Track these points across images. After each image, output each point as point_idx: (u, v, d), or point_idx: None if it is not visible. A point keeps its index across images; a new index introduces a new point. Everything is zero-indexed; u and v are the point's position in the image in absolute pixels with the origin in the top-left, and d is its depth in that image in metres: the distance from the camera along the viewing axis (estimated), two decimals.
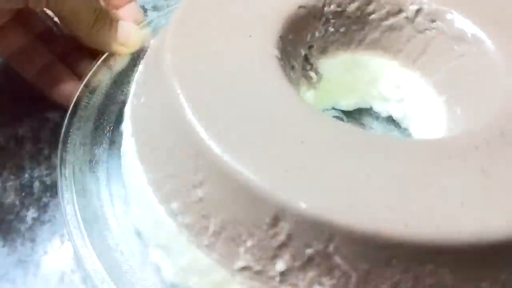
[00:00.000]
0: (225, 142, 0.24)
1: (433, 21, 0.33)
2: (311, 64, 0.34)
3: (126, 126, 0.31)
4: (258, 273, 0.24)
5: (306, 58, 0.33)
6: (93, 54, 0.36)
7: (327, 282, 0.23)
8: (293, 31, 0.31)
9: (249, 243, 0.24)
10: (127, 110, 0.31)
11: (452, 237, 0.22)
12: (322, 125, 0.26)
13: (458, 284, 0.24)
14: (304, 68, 0.33)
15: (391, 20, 0.34)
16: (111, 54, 0.36)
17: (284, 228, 0.23)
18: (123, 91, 0.35)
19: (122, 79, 0.35)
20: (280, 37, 0.30)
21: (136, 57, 0.36)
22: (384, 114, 0.37)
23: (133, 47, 0.36)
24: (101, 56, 0.35)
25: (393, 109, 0.36)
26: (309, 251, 0.23)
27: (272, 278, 0.24)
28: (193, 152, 0.25)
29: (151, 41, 0.33)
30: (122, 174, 0.31)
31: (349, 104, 0.37)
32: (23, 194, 0.33)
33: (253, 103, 0.26)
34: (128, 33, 0.36)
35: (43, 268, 0.30)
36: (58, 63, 0.36)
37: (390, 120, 0.37)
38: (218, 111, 0.26)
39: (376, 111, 0.37)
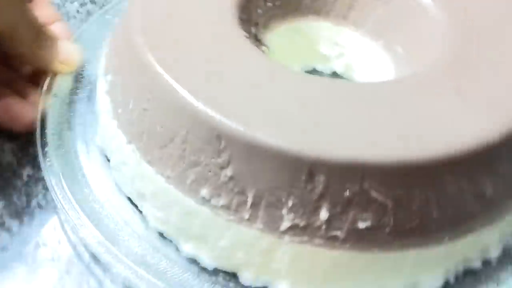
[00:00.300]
0: (245, 120, 0.26)
1: None
2: (259, 40, 0.36)
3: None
4: (304, 228, 0.26)
5: (255, 36, 0.36)
6: (35, 81, 0.36)
7: (368, 216, 0.26)
8: (243, 11, 0.33)
9: (290, 203, 0.26)
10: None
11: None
12: (312, 82, 0.29)
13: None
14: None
15: None
16: (53, 77, 0.36)
17: (319, 180, 0.25)
18: None
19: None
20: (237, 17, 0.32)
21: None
22: (328, 71, 0.40)
23: (74, 65, 0.36)
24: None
25: (336, 65, 0.39)
26: (346, 194, 0.26)
27: (319, 228, 0.26)
28: (214, 135, 0.26)
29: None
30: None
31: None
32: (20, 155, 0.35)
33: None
34: (68, 51, 0.36)
35: (36, 220, 0.32)
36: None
37: (336, 76, 0.40)
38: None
39: (319, 70, 0.40)
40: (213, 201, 0.27)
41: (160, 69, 0.28)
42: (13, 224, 0.32)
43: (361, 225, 0.26)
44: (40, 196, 0.33)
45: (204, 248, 0.28)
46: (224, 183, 0.26)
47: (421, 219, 0.26)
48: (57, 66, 0.35)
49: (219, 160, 0.26)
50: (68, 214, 0.30)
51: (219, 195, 0.27)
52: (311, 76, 0.33)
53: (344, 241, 0.26)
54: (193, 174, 0.27)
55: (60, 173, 0.31)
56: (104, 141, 0.33)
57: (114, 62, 0.33)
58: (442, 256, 0.27)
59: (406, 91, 0.29)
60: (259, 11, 0.36)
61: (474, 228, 0.28)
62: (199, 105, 0.26)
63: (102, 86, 0.33)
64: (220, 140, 0.26)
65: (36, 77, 0.36)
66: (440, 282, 0.28)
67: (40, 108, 0.34)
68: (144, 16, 0.31)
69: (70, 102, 0.35)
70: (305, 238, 0.26)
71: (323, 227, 0.26)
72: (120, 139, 0.31)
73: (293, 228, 0.26)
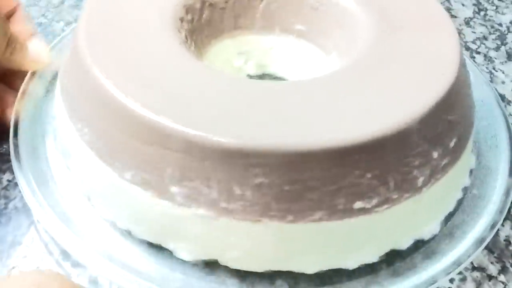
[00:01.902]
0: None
1: None
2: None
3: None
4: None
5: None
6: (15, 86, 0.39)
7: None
8: (181, 24, 0.36)
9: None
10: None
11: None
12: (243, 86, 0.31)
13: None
14: None
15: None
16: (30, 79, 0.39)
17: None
18: None
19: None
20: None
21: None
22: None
23: (44, 62, 0.40)
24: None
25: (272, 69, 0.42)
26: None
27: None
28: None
29: None
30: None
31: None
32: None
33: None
34: (38, 50, 0.39)
35: (13, 221, 0.35)
36: None
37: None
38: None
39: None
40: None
41: (99, 74, 0.31)
42: None
43: None
44: (17, 199, 0.36)
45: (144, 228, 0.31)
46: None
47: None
48: (29, 65, 0.39)
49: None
50: (39, 214, 0.32)
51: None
52: (242, 79, 0.36)
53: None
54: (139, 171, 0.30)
55: (31, 176, 0.34)
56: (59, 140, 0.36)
57: (65, 65, 0.36)
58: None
59: (316, 89, 0.31)
60: (191, 26, 0.37)
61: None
62: (136, 107, 0.29)
63: (57, 87, 0.37)
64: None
65: (11, 78, 0.39)
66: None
67: (14, 109, 0.37)
68: (89, 25, 0.34)
69: (44, 105, 0.38)
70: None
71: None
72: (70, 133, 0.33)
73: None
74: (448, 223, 0.33)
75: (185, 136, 0.28)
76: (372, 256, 0.31)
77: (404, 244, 0.32)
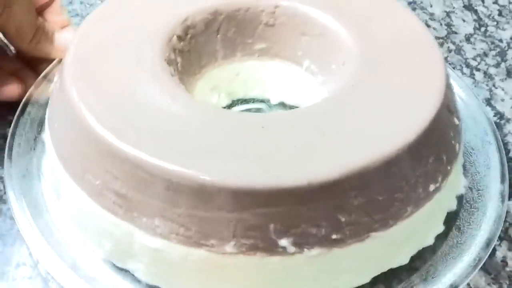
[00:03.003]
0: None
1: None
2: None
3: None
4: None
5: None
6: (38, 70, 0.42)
7: None
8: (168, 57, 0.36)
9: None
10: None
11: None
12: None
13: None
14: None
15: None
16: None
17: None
18: None
19: None
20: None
21: None
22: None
23: None
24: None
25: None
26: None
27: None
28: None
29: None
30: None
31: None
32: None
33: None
34: (65, 40, 0.41)
35: (18, 242, 0.36)
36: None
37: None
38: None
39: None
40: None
41: (93, 122, 0.31)
42: None
43: None
44: None
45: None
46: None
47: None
48: (55, 54, 0.41)
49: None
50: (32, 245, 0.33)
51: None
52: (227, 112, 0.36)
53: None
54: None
55: (25, 205, 0.35)
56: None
57: (52, 101, 0.37)
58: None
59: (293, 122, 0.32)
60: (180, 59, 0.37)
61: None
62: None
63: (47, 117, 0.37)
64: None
65: (36, 64, 0.42)
66: None
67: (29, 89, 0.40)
68: (76, 54, 0.35)
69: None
70: None
71: None
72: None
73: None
74: (443, 244, 0.34)
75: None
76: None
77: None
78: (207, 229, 0.29)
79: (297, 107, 0.41)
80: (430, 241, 0.34)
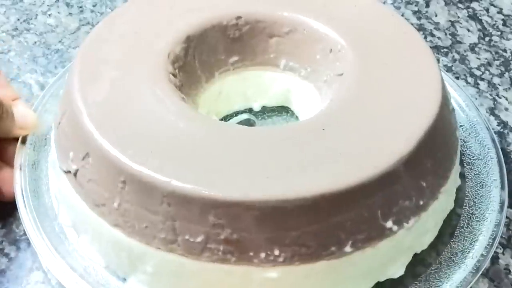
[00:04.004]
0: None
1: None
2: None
3: None
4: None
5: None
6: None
7: None
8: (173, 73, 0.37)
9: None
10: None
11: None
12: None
13: None
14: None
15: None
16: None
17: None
18: None
19: None
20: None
21: None
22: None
23: (31, 127, 0.39)
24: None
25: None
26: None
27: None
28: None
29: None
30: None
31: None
32: None
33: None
34: (25, 116, 0.38)
35: (32, 247, 0.35)
36: None
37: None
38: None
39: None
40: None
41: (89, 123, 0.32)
42: (12, 250, 0.37)
43: None
44: None
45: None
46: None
47: None
48: (16, 131, 0.38)
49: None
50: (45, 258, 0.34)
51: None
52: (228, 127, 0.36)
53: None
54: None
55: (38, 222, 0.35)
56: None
57: (59, 115, 0.36)
58: None
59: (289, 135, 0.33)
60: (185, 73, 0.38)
61: None
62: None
63: (52, 136, 0.38)
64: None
65: (1, 146, 0.38)
66: None
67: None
68: (81, 73, 0.35)
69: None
70: None
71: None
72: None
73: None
74: (444, 252, 0.35)
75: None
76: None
77: None
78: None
79: (281, 106, 0.43)
80: (428, 249, 0.35)
